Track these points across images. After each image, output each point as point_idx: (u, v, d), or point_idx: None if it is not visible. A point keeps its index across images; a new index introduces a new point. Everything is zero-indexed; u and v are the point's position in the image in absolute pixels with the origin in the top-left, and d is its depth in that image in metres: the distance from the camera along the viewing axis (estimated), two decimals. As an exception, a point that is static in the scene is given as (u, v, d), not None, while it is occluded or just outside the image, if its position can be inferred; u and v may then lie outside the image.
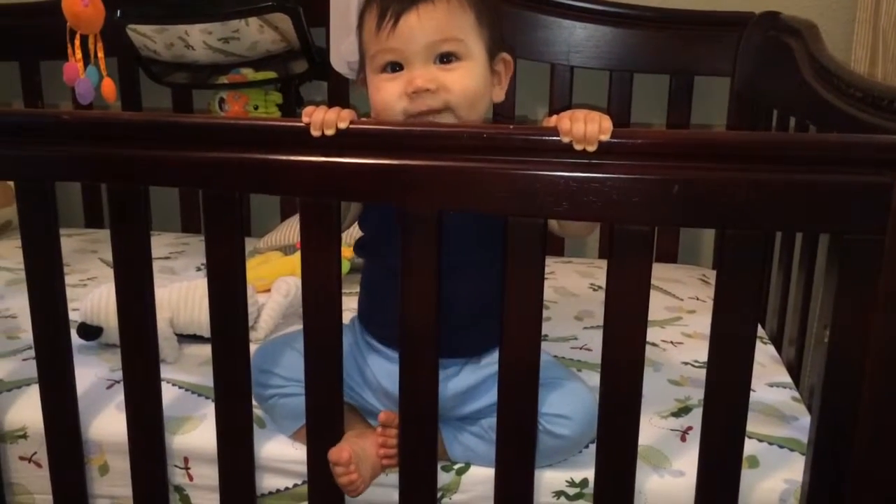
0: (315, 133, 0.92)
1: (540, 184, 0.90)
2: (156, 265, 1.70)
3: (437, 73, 1.00)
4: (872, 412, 0.91)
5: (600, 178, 0.89)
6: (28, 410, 1.15)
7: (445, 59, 1.01)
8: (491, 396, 1.02)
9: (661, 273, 1.66)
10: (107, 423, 1.15)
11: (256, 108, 1.87)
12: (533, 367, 0.96)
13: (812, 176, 0.86)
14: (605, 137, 0.87)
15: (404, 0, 1.00)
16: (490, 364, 1.06)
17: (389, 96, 1.01)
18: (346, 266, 1.51)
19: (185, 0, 1.86)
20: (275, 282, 1.44)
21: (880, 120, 1.00)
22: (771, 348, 1.38)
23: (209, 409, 1.13)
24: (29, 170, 1.01)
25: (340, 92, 1.86)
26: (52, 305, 1.06)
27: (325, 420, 1.03)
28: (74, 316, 1.31)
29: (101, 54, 1.35)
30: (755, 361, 0.93)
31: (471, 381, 1.08)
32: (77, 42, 1.33)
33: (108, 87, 1.37)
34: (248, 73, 1.82)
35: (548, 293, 1.45)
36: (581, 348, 1.36)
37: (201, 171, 0.97)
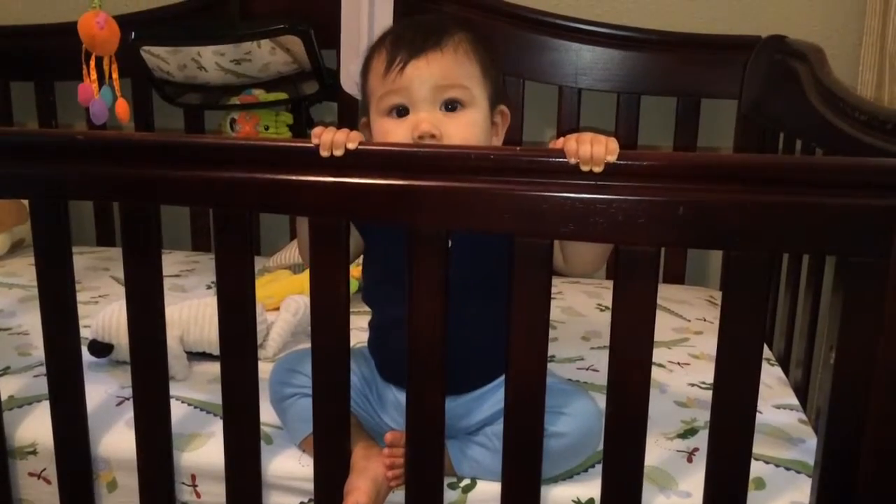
0: (324, 153, 0.93)
1: (546, 205, 0.91)
2: (166, 283, 1.71)
3: (442, 118, 1.03)
4: (878, 434, 0.91)
5: (606, 199, 0.90)
6: (38, 427, 1.16)
7: (451, 105, 1.04)
8: (495, 403, 1.03)
9: (668, 294, 1.67)
10: (116, 440, 1.15)
11: (267, 128, 1.89)
12: (539, 387, 0.97)
13: (817, 199, 0.87)
14: (612, 159, 0.88)
15: (413, 47, 1.03)
16: (496, 378, 1.08)
17: (395, 139, 1.03)
18: (354, 285, 1.52)
19: (198, 22, 1.89)
20: (284, 300, 1.45)
21: (885, 143, 1.01)
22: (778, 370, 1.38)
23: (217, 426, 1.14)
24: (43, 188, 1.03)
25: (350, 113, 1.88)
26: (64, 322, 1.07)
27: (331, 437, 1.04)
28: (85, 333, 1.32)
29: (115, 75, 1.37)
30: (762, 383, 0.94)
31: (476, 394, 1.10)
32: (92, 63, 1.36)
33: (122, 108, 1.39)
34: (260, 94, 1.84)
35: (555, 313, 1.46)
36: (588, 369, 1.36)
37: (212, 190, 0.99)
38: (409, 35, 1.05)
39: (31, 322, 1.46)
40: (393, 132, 1.04)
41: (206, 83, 1.84)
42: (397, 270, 0.96)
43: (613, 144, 0.89)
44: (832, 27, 1.75)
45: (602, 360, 1.33)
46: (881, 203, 0.86)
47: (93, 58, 1.36)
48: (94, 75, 1.35)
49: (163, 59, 1.77)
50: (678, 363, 1.38)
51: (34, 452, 1.16)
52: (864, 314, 0.89)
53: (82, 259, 1.84)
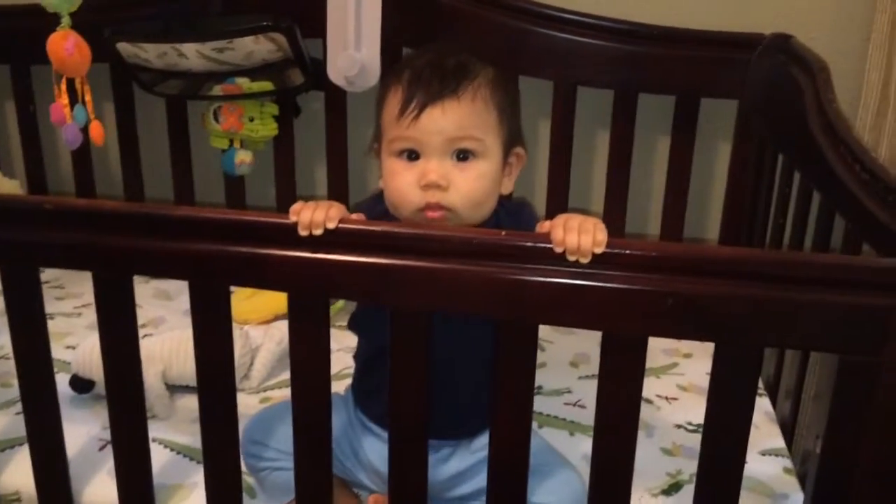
0: (303, 233, 0.90)
1: (530, 290, 0.88)
2: (151, 287, 1.70)
3: (451, 169, 1.01)
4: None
5: (592, 286, 0.87)
6: (21, 473, 1.15)
7: (462, 155, 1.01)
8: (481, 480, 1.02)
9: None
10: (98, 491, 1.15)
11: (252, 119, 1.83)
12: (522, 462, 0.96)
13: (811, 295, 0.84)
14: (599, 250, 0.85)
15: (430, 92, 0.99)
16: (481, 449, 1.06)
17: (404, 185, 1.01)
18: (336, 306, 1.50)
19: (177, 11, 1.81)
20: (268, 329, 1.43)
21: (885, 216, 0.97)
22: (766, 402, 1.36)
23: (200, 475, 1.13)
24: (13, 255, 1.00)
25: (338, 103, 1.82)
26: (41, 388, 1.06)
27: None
28: (68, 356, 1.31)
29: (88, 97, 1.31)
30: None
31: (462, 466, 1.09)
32: (63, 85, 1.30)
33: (96, 130, 1.34)
34: (244, 84, 1.77)
35: (544, 331, 1.44)
36: (575, 404, 1.35)
37: (187, 262, 0.95)
38: (427, 76, 1.01)
39: (12, 341, 1.43)
40: (401, 175, 1.02)
41: (188, 70, 1.77)
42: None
43: (601, 235, 0.86)
44: (840, 23, 1.68)
45: (590, 393, 1.31)
46: (875, 302, 0.83)
47: (63, 79, 1.29)
48: (65, 98, 1.29)
49: (141, 47, 1.69)
50: (665, 397, 1.37)
51: (18, 500, 1.16)
52: (853, 411, 0.87)
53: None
